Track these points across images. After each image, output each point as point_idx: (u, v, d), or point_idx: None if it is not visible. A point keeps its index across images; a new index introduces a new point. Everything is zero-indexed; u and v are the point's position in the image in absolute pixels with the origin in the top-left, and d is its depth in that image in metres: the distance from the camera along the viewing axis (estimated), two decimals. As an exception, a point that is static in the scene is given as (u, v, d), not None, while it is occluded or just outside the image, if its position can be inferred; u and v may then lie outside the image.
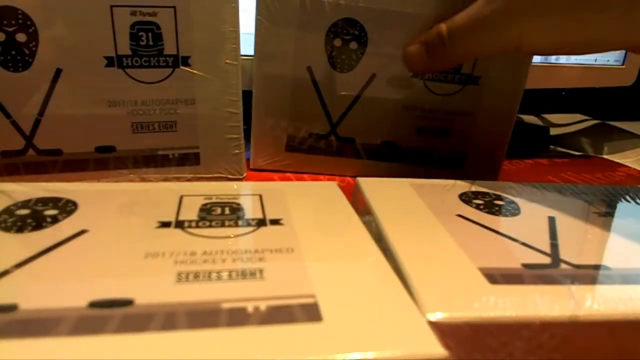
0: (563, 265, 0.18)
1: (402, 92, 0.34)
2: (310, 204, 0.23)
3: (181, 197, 0.23)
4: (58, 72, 0.27)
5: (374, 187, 0.25)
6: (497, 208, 0.23)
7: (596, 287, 0.17)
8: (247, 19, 0.32)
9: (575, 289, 0.17)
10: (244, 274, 0.17)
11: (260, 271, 0.17)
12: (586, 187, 0.27)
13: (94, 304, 0.14)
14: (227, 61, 0.30)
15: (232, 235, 0.20)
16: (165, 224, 0.20)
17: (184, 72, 0.29)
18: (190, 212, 0.21)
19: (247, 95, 0.32)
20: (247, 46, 0.31)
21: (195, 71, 0.29)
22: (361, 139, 0.35)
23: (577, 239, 0.21)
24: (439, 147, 0.36)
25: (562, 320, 0.15)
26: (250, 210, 0.22)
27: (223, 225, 0.20)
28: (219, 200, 0.22)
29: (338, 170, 0.36)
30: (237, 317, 0.14)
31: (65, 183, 0.24)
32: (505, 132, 0.35)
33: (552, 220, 0.22)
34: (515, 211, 0.23)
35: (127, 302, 0.14)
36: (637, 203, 0.25)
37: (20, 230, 0.19)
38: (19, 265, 0.16)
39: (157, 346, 0.13)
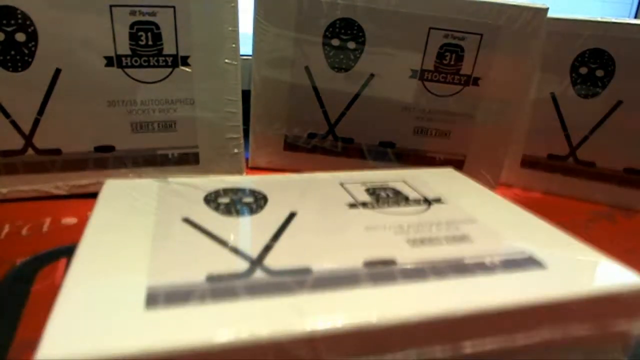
0: (258, 273, 0.16)
1: (400, 93, 0.34)
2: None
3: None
4: (57, 72, 0.27)
5: (115, 188, 0.22)
6: (240, 207, 0.21)
7: (276, 299, 0.15)
8: (246, 19, 0.32)
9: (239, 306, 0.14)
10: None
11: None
12: (364, 174, 0.26)
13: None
14: (227, 61, 0.30)
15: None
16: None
17: (183, 72, 0.29)
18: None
19: (245, 95, 0.32)
20: (245, 46, 0.32)
21: (194, 71, 0.29)
22: (359, 138, 0.36)
23: (302, 237, 0.19)
24: (437, 149, 0.36)
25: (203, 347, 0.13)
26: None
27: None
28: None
29: (337, 170, 0.36)
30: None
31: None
32: (507, 134, 0.35)
33: (290, 217, 0.20)
34: (258, 208, 0.21)
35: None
36: (396, 192, 0.24)
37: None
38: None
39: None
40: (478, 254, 0.18)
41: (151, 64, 0.28)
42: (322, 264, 0.17)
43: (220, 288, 0.15)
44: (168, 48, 0.29)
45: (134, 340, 0.12)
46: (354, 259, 0.17)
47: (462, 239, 0.19)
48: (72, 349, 0.12)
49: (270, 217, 0.20)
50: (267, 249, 0.17)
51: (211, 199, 0.21)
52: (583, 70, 0.34)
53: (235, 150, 0.32)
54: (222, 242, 0.18)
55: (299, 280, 0.16)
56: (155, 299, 0.14)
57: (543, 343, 0.16)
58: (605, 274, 0.17)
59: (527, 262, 0.18)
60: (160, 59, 0.29)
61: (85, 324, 0.13)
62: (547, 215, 0.22)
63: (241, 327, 0.13)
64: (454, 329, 0.15)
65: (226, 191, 0.22)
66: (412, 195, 0.24)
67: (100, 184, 0.29)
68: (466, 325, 0.15)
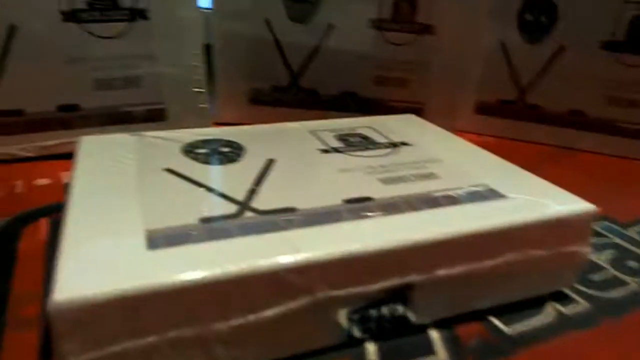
0: (247, 214, 0.17)
1: (359, 43, 0.35)
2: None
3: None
4: (13, 28, 0.26)
5: (92, 144, 0.22)
6: (218, 156, 0.22)
7: (268, 235, 0.16)
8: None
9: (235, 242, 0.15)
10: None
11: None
12: (332, 122, 0.27)
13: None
14: (186, 13, 0.29)
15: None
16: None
17: (142, 25, 0.29)
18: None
19: (208, 50, 0.32)
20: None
21: (153, 24, 0.29)
22: (322, 90, 0.36)
23: (283, 181, 0.20)
24: (396, 97, 0.37)
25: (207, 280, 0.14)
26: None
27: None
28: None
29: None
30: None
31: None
32: (460, 82, 0.37)
33: (269, 163, 0.21)
34: (236, 157, 0.22)
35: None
36: (364, 137, 0.25)
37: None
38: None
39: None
40: (445, 188, 0.20)
41: (108, 18, 0.28)
42: (305, 204, 0.18)
43: (214, 228, 0.16)
44: (125, 1, 0.28)
45: (143, 277, 0.13)
46: (334, 198, 0.18)
47: (430, 176, 0.21)
48: (85, 289, 0.12)
49: (250, 164, 0.21)
50: (252, 192, 0.18)
51: (189, 150, 0.22)
52: (528, 16, 0.36)
53: (202, 105, 0.32)
54: (208, 188, 0.18)
55: (287, 218, 0.17)
56: (156, 240, 0.15)
57: (505, 265, 0.18)
58: (559, 202, 0.19)
59: (490, 194, 0.19)
60: (118, 12, 0.28)
61: (93, 267, 0.13)
62: (499, 156, 0.24)
63: (240, 260, 0.14)
64: (429, 254, 0.17)
65: (203, 142, 0.23)
66: (380, 139, 0.25)
67: (67, 144, 0.29)
68: (439, 251, 0.17)
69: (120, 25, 0.28)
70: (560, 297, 0.20)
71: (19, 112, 0.28)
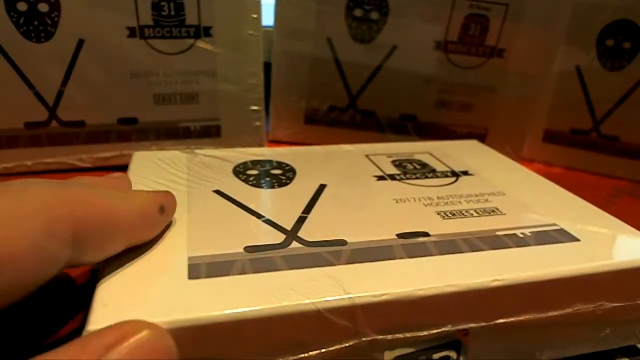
0: (294, 244, 0.16)
1: (423, 65, 0.34)
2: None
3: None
4: (80, 42, 0.27)
5: (144, 159, 0.22)
6: (268, 178, 0.21)
7: (314, 270, 0.15)
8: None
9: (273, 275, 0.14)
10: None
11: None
12: (388, 146, 0.26)
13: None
14: (249, 32, 0.29)
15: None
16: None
17: (205, 43, 0.29)
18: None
19: (266, 67, 0.32)
20: (267, 16, 0.31)
21: (216, 42, 0.29)
22: (380, 111, 0.35)
23: (334, 209, 0.19)
24: (459, 122, 0.35)
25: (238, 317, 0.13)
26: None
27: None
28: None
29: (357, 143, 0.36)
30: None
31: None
32: (530, 108, 0.35)
33: (320, 189, 0.20)
34: (287, 180, 0.21)
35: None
36: (422, 164, 0.24)
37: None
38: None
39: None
40: (510, 226, 0.18)
41: (173, 34, 0.28)
42: (356, 236, 0.17)
43: (258, 259, 0.15)
44: (190, 18, 0.28)
45: (180, 310, 0.12)
46: (386, 231, 0.17)
47: (493, 211, 0.19)
48: (120, 319, 0.12)
49: (300, 188, 0.20)
50: (301, 220, 0.18)
51: (240, 171, 0.21)
52: (609, 42, 0.34)
53: (257, 123, 0.31)
54: (256, 214, 0.18)
55: (335, 251, 0.16)
56: (197, 270, 0.14)
57: (573, 316, 0.16)
58: (636, 247, 0.18)
59: (559, 235, 0.18)
60: (183, 29, 0.28)
61: (131, 295, 0.13)
62: (568, 190, 0.22)
63: (283, 297, 0.13)
64: (489, 301, 0.15)
65: (254, 163, 0.22)
66: (439, 167, 0.24)
67: (123, 157, 0.29)
68: (501, 298, 0.15)
69: (184, 42, 0.29)
70: (633, 352, 0.18)
71: (81, 123, 0.28)
